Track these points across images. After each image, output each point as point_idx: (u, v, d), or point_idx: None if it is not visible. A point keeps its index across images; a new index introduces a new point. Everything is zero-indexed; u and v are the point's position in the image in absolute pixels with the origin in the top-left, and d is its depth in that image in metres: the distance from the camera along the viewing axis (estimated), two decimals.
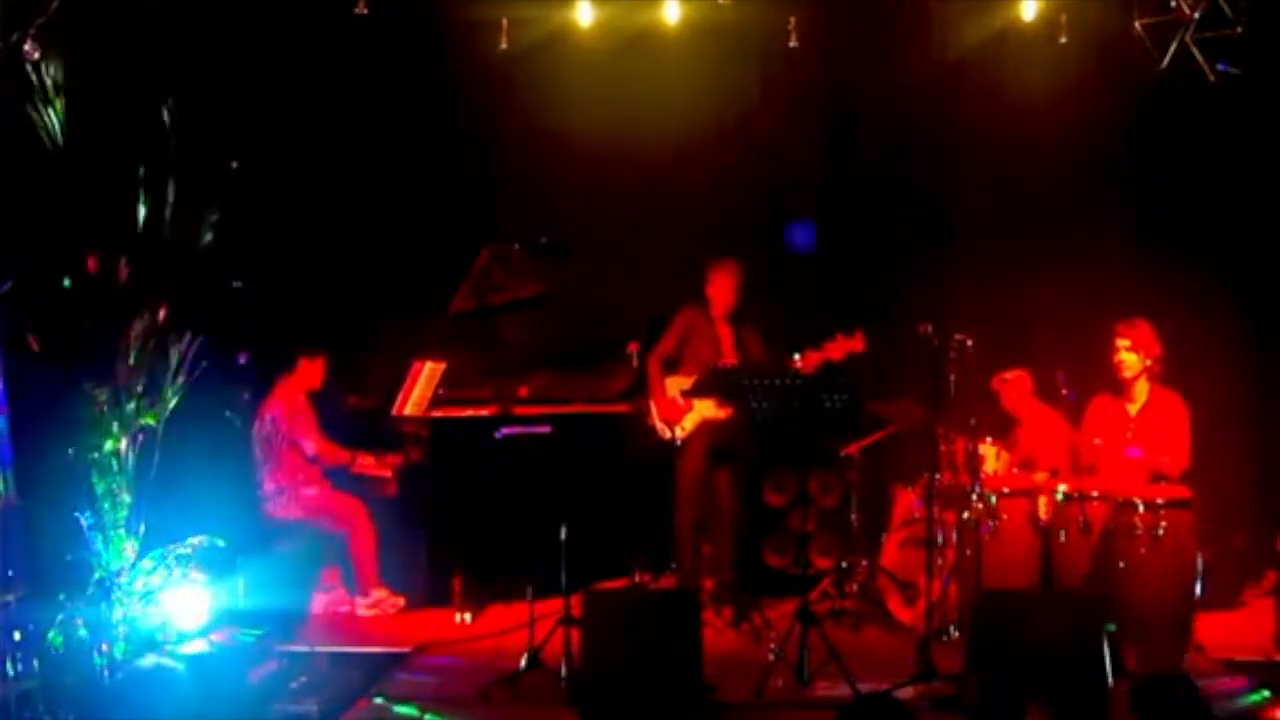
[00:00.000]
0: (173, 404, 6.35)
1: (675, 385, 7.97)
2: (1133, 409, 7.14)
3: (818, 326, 7.67)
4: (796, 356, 7.38)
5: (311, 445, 8.03)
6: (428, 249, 8.77)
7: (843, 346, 7.47)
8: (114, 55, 6.53)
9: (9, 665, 5.47)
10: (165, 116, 6.41)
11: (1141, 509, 6.68)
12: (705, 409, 7.91)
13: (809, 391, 6.73)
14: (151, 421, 6.30)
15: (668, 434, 7.94)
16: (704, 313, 8.05)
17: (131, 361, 6.21)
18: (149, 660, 5.83)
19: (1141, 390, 7.13)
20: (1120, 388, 7.15)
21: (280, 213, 8.33)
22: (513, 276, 8.00)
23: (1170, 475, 6.96)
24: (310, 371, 8.14)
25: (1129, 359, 7.08)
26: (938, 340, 6.99)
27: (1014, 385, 7.90)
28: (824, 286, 8.89)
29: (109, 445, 6.17)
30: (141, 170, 6.35)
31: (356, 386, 8.59)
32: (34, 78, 5.97)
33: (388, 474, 8.20)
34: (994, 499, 7.20)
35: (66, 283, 6.20)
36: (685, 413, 7.91)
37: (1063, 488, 6.97)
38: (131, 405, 6.21)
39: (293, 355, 8.10)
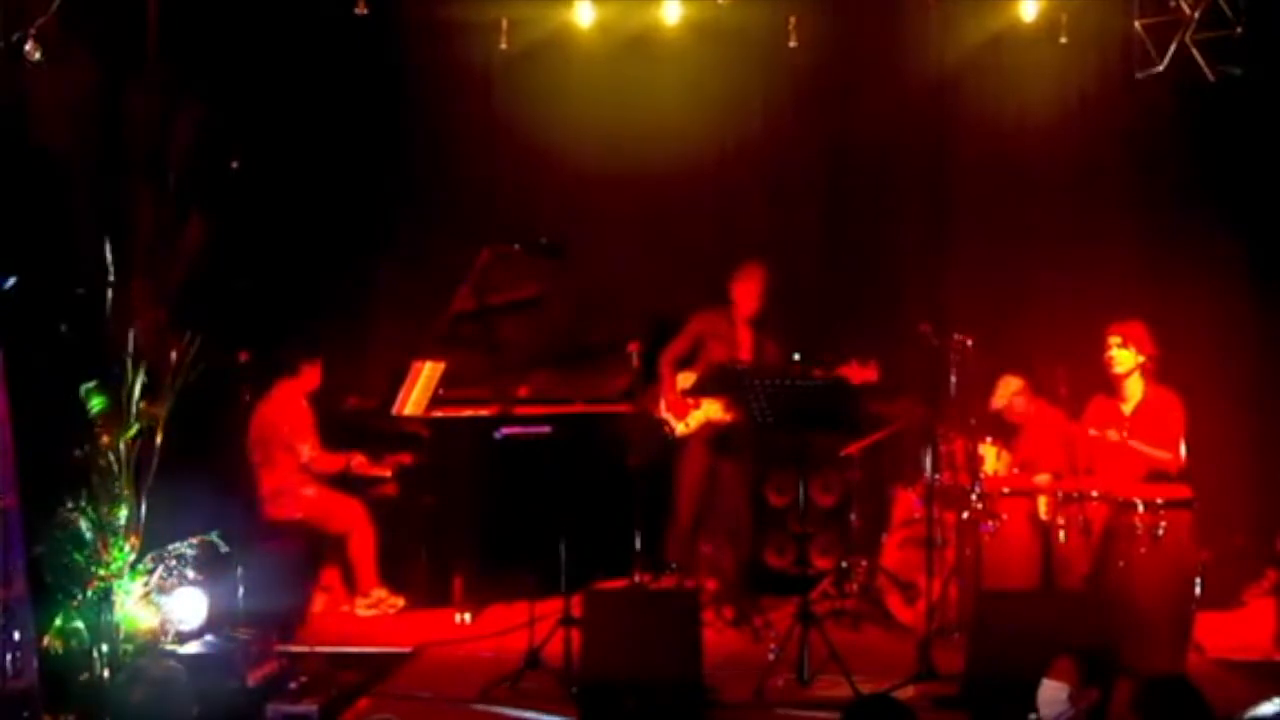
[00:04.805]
0: (172, 404, 6.35)
1: (685, 381, 8.02)
2: (1127, 408, 7.13)
3: (818, 327, 7.66)
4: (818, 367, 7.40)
5: (307, 451, 7.99)
6: (427, 249, 8.76)
7: (857, 374, 7.43)
8: (114, 56, 6.53)
9: (9, 665, 5.46)
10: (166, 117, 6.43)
11: (1141, 509, 6.67)
12: (712, 410, 7.95)
13: (809, 392, 6.73)
14: (151, 422, 6.30)
15: (673, 425, 7.98)
16: (725, 316, 8.03)
17: (131, 361, 6.21)
18: (148, 660, 5.82)
19: (1136, 389, 7.11)
20: (1114, 387, 7.15)
21: (280, 212, 8.33)
22: (513, 276, 8.01)
23: (1169, 472, 6.96)
24: (310, 375, 8.14)
25: (1120, 355, 7.06)
26: (938, 340, 6.99)
27: (1015, 400, 7.84)
28: (825, 286, 8.88)
29: (109, 445, 6.16)
30: (142, 170, 6.36)
31: (356, 387, 8.58)
32: (34, 78, 5.98)
33: (387, 474, 8.19)
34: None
35: (66, 283, 6.21)
36: (692, 410, 7.96)
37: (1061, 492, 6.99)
38: (132, 405, 6.21)
39: (294, 359, 8.08)
